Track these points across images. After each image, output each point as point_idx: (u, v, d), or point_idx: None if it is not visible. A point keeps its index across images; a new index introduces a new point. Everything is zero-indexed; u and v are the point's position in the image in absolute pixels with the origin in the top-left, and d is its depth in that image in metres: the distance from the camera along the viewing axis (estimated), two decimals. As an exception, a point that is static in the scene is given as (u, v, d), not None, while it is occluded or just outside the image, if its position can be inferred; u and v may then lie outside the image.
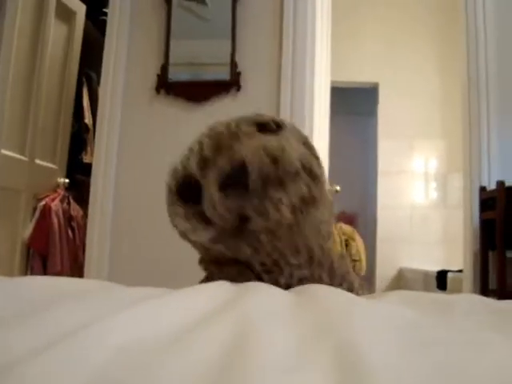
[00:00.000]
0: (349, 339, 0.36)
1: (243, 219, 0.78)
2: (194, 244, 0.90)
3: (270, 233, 0.78)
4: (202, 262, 0.97)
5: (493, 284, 2.71)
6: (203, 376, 0.30)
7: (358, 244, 4.28)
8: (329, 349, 0.34)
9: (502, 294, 2.52)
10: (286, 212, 0.76)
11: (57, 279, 0.61)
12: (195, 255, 2.84)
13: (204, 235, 0.84)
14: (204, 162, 0.83)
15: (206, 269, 0.94)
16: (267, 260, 0.80)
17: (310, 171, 0.80)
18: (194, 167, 0.84)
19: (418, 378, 0.30)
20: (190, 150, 0.88)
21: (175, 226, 0.90)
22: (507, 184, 2.67)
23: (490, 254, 2.78)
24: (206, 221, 0.83)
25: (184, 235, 0.88)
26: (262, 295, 0.55)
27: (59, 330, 0.36)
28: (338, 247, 3.96)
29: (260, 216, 0.76)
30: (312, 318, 0.44)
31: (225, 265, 0.85)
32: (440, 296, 0.62)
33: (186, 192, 0.87)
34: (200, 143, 0.87)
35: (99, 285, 0.62)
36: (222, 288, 0.60)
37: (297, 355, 0.34)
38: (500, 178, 2.72)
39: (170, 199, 0.91)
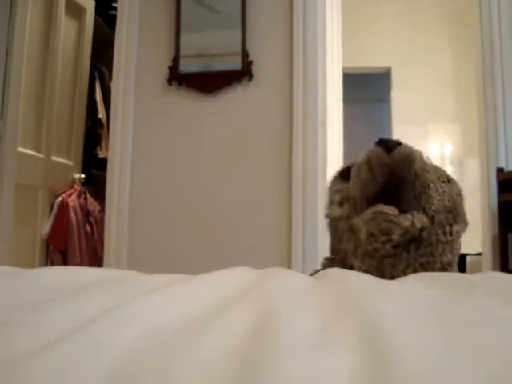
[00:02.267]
0: (373, 317, 0.36)
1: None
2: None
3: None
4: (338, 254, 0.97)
5: (512, 266, 2.69)
6: (230, 359, 0.30)
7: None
8: (354, 326, 0.35)
9: (522, 275, 2.50)
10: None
11: (77, 269, 0.62)
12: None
13: (336, 210, 0.89)
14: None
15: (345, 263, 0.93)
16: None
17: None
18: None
19: (438, 354, 0.30)
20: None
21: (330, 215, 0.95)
22: (525, 165, 2.64)
23: (510, 235, 2.76)
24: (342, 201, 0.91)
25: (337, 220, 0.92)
26: (283, 279, 0.56)
27: (79, 318, 0.36)
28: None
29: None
30: (335, 297, 0.45)
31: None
32: (461, 275, 0.62)
33: (344, 175, 0.96)
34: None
35: (122, 273, 0.63)
36: (243, 273, 0.60)
37: (322, 334, 0.34)
38: (517, 159, 2.69)
39: (329, 188, 0.99)
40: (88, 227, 3.54)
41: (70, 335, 0.33)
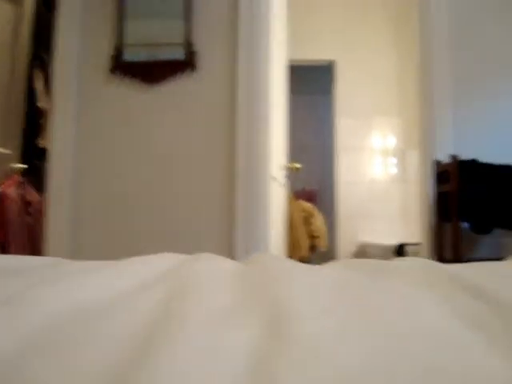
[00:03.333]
0: (280, 296, 0.38)
1: None
2: None
3: None
4: None
5: (449, 255, 2.79)
6: (140, 332, 0.32)
7: (319, 220, 4.33)
8: (262, 305, 0.37)
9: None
10: None
11: (6, 257, 0.62)
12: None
13: None
14: None
15: None
16: None
17: None
18: None
19: (338, 325, 0.32)
20: None
21: None
22: (459, 158, 2.74)
23: (445, 225, 2.86)
24: None
25: None
26: (205, 263, 0.57)
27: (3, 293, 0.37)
28: (298, 225, 4.01)
29: None
30: (252, 280, 0.47)
31: None
32: (383, 261, 0.65)
33: None
34: None
35: (46, 259, 0.64)
36: (169, 257, 0.62)
37: (229, 311, 0.36)
38: (453, 153, 2.78)
39: None
40: (28, 218, 3.45)
41: None
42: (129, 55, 2.87)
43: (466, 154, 2.79)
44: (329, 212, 5.51)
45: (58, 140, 2.84)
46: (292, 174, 3.56)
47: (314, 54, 5.54)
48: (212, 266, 0.56)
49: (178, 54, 2.86)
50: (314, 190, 6.47)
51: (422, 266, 0.59)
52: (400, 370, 0.28)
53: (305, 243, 4.14)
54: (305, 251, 4.10)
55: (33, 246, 3.42)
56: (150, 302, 0.38)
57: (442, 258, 2.84)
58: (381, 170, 5.57)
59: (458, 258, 2.61)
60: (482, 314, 0.37)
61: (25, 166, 3.55)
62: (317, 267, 0.63)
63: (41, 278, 0.44)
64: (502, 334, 0.33)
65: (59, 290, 0.39)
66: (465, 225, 2.78)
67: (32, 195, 3.53)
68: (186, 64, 2.85)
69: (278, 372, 0.28)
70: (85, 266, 0.54)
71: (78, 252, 2.75)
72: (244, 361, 0.29)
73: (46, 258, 0.65)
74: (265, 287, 0.43)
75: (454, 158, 2.73)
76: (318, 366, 0.28)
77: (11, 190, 3.29)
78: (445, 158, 2.87)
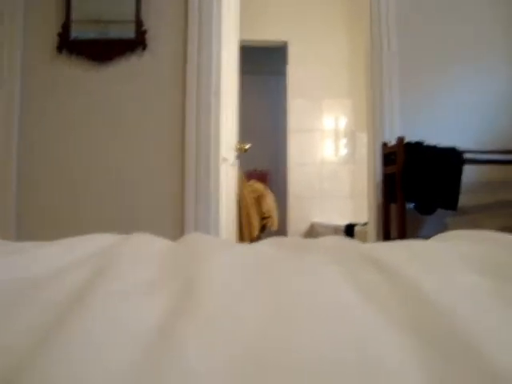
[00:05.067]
0: (197, 271, 0.41)
1: None
2: None
3: None
4: None
5: (394, 234, 2.87)
6: (63, 301, 0.36)
7: (270, 201, 4.38)
8: (179, 280, 0.40)
9: (403, 243, 2.67)
10: None
11: None
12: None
13: None
14: None
15: None
16: None
17: None
18: None
19: (249, 296, 0.35)
20: None
21: None
22: (406, 140, 2.81)
23: (392, 206, 2.94)
24: None
25: None
26: (136, 242, 0.60)
27: None
28: (249, 205, 4.04)
29: None
30: (177, 256, 0.50)
31: None
32: (307, 240, 0.70)
33: None
34: None
35: None
36: (103, 237, 0.65)
37: (147, 284, 0.40)
38: (400, 135, 2.85)
39: None
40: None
41: None
42: (77, 33, 2.81)
43: (412, 137, 2.86)
44: (280, 192, 5.57)
45: (2, 121, 2.77)
46: (243, 155, 3.57)
47: (267, 34, 5.54)
48: (141, 245, 0.59)
49: (129, 33, 2.81)
50: (265, 170, 6.51)
51: (339, 244, 0.64)
52: (294, 341, 0.30)
53: (256, 223, 4.18)
54: (256, 231, 4.14)
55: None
56: (76, 277, 0.41)
57: (387, 237, 2.93)
58: (331, 151, 5.65)
59: (402, 237, 2.69)
60: (380, 287, 0.41)
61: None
62: (242, 245, 0.67)
63: None
64: (395, 306, 0.37)
65: None
66: (410, 205, 2.87)
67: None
68: (136, 43, 2.81)
69: (180, 329, 0.31)
70: (21, 245, 0.56)
71: (22, 233, 2.70)
72: (149, 324, 0.33)
73: None
74: (184, 264, 0.47)
75: (400, 139, 2.80)
76: (217, 326, 0.32)
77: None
78: (392, 141, 2.93)
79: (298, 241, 0.70)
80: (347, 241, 0.67)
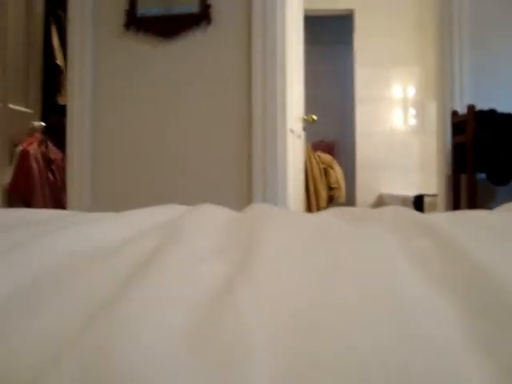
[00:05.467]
0: (257, 237, 0.44)
1: None
2: None
3: None
4: None
5: (465, 205, 2.80)
6: (138, 261, 0.41)
7: (337, 172, 4.35)
8: (242, 246, 0.43)
9: (474, 214, 2.60)
10: None
11: (24, 210, 0.69)
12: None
13: None
14: None
15: None
16: None
17: None
18: None
19: (305, 260, 0.38)
20: None
21: None
22: (477, 108, 2.71)
23: (462, 176, 2.86)
24: None
25: None
26: (203, 212, 0.63)
27: (19, 239, 0.44)
28: (317, 176, 4.04)
29: None
30: (239, 226, 0.53)
31: None
32: (368, 210, 0.71)
33: None
34: None
35: (62, 212, 0.70)
36: (172, 208, 0.69)
37: (212, 251, 0.43)
38: (471, 103, 2.76)
39: None
40: (50, 175, 3.52)
41: (12, 249, 0.43)
42: (143, 10, 2.86)
43: (484, 105, 2.76)
44: (348, 163, 5.52)
45: (76, 97, 2.87)
46: (310, 126, 3.56)
47: (333, 3, 5.44)
48: (205, 215, 0.62)
49: (193, 8, 2.84)
50: (332, 141, 6.46)
51: (398, 213, 0.64)
52: (342, 302, 0.32)
53: (323, 194, 4.17)
54: (323, 202, 4.14)
55: (56, 201, 3.50)
56: (147, 245, 0.45)
57: (458, 208, 2.86)
58: (400, 121, 5.53)
59: (473, 208, 2.62)
60: (432, 254, 0.42)
61: (44, 124, 3.61)
62: (305, 214, 0.69)
63: (53, 226, 0.51)
64: (441, 269, 0.38)
65: (73, 234, 0.47)
66: (482, 176, 2.78)
67: (54, 153, 3.59)
68: (201, 17, 2.83)
69: (238, 287, 0.34)
70: (94, 217, 0.61)
71: (97, 204, 2.81)
72: (210, 284, 0.36)
73: (63, 212, 0.72)
74: (245, 231, 0.50)
75: (470, 108, 2.70)
76: (271, 287, 0.35)
77: (33, 148, 3.35)
78: (463, 109, 2.84)
79: (359, 211, 0.71)
80: (407, 210, 0.68)
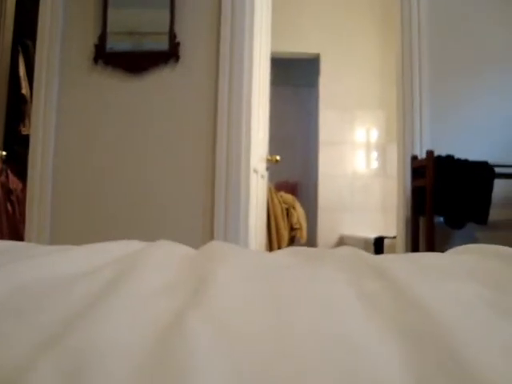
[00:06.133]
0: (210, 275, 0.44)
1: None
2: None
3: None
4: None
5: (423, 248, 2.85)
6: (93, 295, 0.41)
7: (299, 212, 4.39)
8: (194, 281, 0.44)
9: (431, 257, 2.66)
10: None
11: None
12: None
13: None
14: None
15: None
16: None
17: None
18: None
19: (254, 297, 0.39)
20: None
21: None
22: (436, 153, 2.79)
23: (421, 219, 2.92)
24: None
25: None
26: (161, 248, 0.63)
27: None
28: (279, 216, 4.06)
29: None
30: (195, 262, 0.54)
31: None
32: (322, 250, 0.72)
33: None
34: None
35: (19, 244, 0.70)
36: (129, 244, 0.68)
37: (166, 286, 0.43)
38: (430, 148, 2.84)
39: None
40: (9, 206, 3.46)
41: None
42: (112, 44, 2.88)
43: (443, 150, 2.85)
44: (310, 204, 5.57)
45: (40, 127, 2.85)
46: (273, 166, 3.60)
47: (299, 47, 5.56)
48: (162, 252, 0.62)
49: (162, 45, 2.87)
50: (295, 182, 6.52)
51: (351, 254, 0.66)
52: (290, 340, 0.33)
53: (285, 234, 4.19)
54: (285, 242, 4.16)
55: (13, 233, 3.43)
56: (102, 278, 0.45)
57: (416, 251, 2.91)
58: (362, 163, 5.63)
59: (431, 250, 2.67)
60: (380, 294, 0.43)
61: (5, 153, 3.55)
62: (259, 252, 0.70)
63: (7, 258, 0.51)
64: (393, 311, 0.39)
65: (23, 267, 0.47)
66: (440, 219, 2.85)
67: (14, 183, 3.54)
68: (169, 55, 2.87)
69: (190, 321, 0.35)
70: (50, 249, 0.60)
71: (57, 237, 2.77)
72: (160, 315, 0.37)
73: (19, 243, 0.71)
74: (199, 267, 0.50)
75: (430, 153, 2.78)
76: (222, 320, 0.36)
77: (-8, 177, 3.29)
78: (422, 154, 2.92)
79: (314, 250, 0.73)
80: (360, 252, 0.69)
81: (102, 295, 0.40)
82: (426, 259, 0.62)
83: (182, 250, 0.68)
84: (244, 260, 0.56)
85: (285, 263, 0.57)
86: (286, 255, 0.66)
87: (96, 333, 0.32)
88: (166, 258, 0.60)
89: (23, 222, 3.10)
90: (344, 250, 0.70)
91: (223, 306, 0.37)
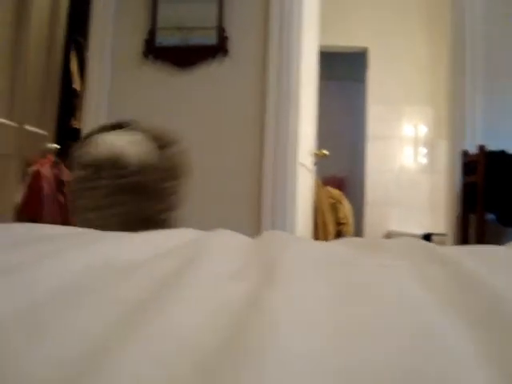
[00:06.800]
0: (277, 261, 0.44)
1: None
2: None
3: None
4: None
5: (473, 246, 2.78)
6: (162, 279, 0.40)
7: (346, 207, 4.35)
8: (259, 267, 0.43)
9: (482, 255, 2.59)
10: None
11: (42, 225, 0.70)
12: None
13: None
14: None
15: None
16: None
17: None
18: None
19: (312, 289, 0.38)
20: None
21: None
22: (488, 149, 2.72)
23: (471, 216, 2.86)
24: None
25: None
26: (221, 236, 0.64)
27: (39, 252, 0.45)
28: (326, 210, 4.04)
29: None
30: (256, 248, 0.53)
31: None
32: (379, 240, 0.71)
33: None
34: None
35: (78, 230, 0.71)
36: (191, 231, 0.69)
37: (233, 271, 0.43)
38: (482, 143, 2.77)
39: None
40: (61, 197, 3.55)
41: (34, 261, 0.43)
42: (161, 39, 2.92)
43: (495, 145, 2.77)
44: (357, 199, 5.52)
45: (91, 121, 2.91)
46: (321, 161, 3.58)
47: (347, 40, 5.51)
48: (226, 238, 0.63)
49: (211, 39, 2.89)
50: (342, 177, 6.47)
51: (409, 243, 0.65)
52: (364, 328, 0.32)
53: (331, 229, 4.17)
54: (331, 236, 4.13)
55: (64, 224, 3.51)
56: (169, 264, 0.46)
57: (466, 249, 2.84)
58: (410, 159, 5.54)
59: (482, 249, 2.61)
60: (441, 278, 0.43)
61: (58, 146, 3.65)
62: (317, 241, 0.70)
63: (75, 242, 0.51)
64: (458, 296, 0.38)
65: (93, 250, 0.47)
66: (491, 216, 2.78)
67: (66, 175, 3.62)
68: (217, 49, 2.89)
69: (270, 302, 0.35)
70: (110, 235, 0.61)
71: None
72: (238, 297, 0.37)
73: (75, 229, 0.74)
74: (265, 254, 0.50)
75: (481, 148, 2.72)
76: (300, 303, 0.35)
77: (46, 169, 3.38)
78: (473, 149, 2.85)
79: (367, 240, 0.72)
80: (419, 241, 0.69)
81: (172, 280, 0.40)
82: (488, 250, 0.61)
83: (243, 238, 0.68)
84: (306, 247, 0.56)
85: (344, 251, 0.56)
86: (341, 244, 0.65)
87: (175, 316, 0.32)
88: (229, 244, 0.60)
89: (74, 213, 3.16)
90: (401, 239, 0.69)
91: (299, 291, 0.37)
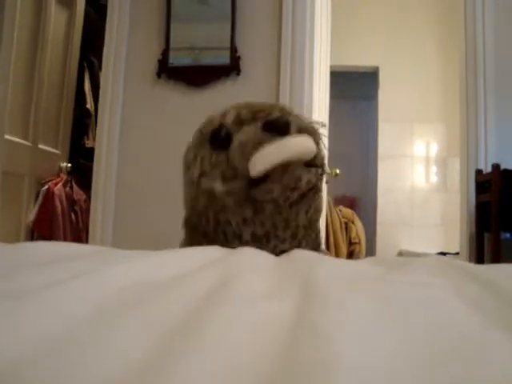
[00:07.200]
0: (312, 278, 0.43)
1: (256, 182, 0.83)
2: (202, 193, 0.95)
3: (275, 204, 0.85)
4: (187, 225, 1.05)
5: (488, 265, 2.75)
6: (192, 303, 0.39)
7: (358, 227, 4.33)
8: (296, 285, 0.42)
9: (497, 274, 2.56)
10: (299, 191, 0.83)
11: (67, 243, 0.69)
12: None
13: (218, 184, 0.90)
14: (239, 120, 0.92)
15: (188, 233, 1.03)
16: (260, 230, 0.87)
17: (322, 164, 0.90)
18: (229, 122, 0.93)
19: (359, 304, 0.37)
20: (226, 110, 0.98)
21: (194, 168, 0.96)
22: (502, 167, 2.70)
23: (486, 235, 2.83)
24: (224, 175, 0.90)
25: (199, 180, 0.93)
26: (248, 255, 0.63)
27: (68, 273, 0.44)
28: (338, 230, 4.02)
29: (276, 183, 0.81)
30: (287, 267, 0.52)
31: (209, 234, 0.94)
32: (405, 258, 0.70)
33: (215, 141, 0.95)
34: (237, 107, 0.93)
35: (99, 248, 0.70)
36: (212, 249, 0.68)
37: (271, 290, 0.42)
38: (496, 162, 2.75)
39: (199, 142, 0.97)
40: (73, 216, 3.56)
41: (61, 282, 0.41)
42: (174, 59, 2.94)
43: (508, 163, 2.76)
44: (369, 219, 5.49)
45: (103, 140, 2.93)
46: (332, 180, 3.57)
47: (358, 60, 5.53)
48: (254, 257, 0.62)
49: (223, 59, 2.91)
50: (354, 196, 6.46)
51: (441, 261, 0.63)
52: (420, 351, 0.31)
53: (343, 248, 4.15)
54: (343, 256, 4.11)
55: (77, 241, 3.52)
56: (205, 281, 0.43)
57: (481, 268, 2.82)
58: (422, 177, 5.52)
59: (497, 268, 2.58)
60: (480, 296, 0.42)
61: (70, 165, 3.67)
62: (341, 259, 0.69)
63: (101, 261, 0.50)
64: (495, 310, 0.39)
65: (120, 270, 0.46)
66: (506, 235, 2.75)
67: (78, 194, 3.64)
68: (230, 68, 2.90)
69: (317, 320, 0.33)
70: (135, 253, 0.60)
71: (119, 247, 2.82)
72: (287, 318, 0.35)
73: (93, 246, 0.72)
74: (297, 270, 0.49)
75: (496, 166, 2.70)
76: (352, 323, 0.34)
77: (58, 188, 3.40)
78: (487, 167, 2.84)
79: (394, 259, 0.71)
80: (448, 258, 0.67)
81: (214, 296, 0.39)
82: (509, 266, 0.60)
83: (268, 256, 0.67)
84: (334, 264, 0.55)
85: (371, 268, 0.55)
86: (367, 263, 0.65)
87: (218, 335, 0.31)
88: (258, 262, 0.59)
89: (85, 231, 3.18)
90: (429, 257, 0.69)
91: (346, 307, 0.36)
